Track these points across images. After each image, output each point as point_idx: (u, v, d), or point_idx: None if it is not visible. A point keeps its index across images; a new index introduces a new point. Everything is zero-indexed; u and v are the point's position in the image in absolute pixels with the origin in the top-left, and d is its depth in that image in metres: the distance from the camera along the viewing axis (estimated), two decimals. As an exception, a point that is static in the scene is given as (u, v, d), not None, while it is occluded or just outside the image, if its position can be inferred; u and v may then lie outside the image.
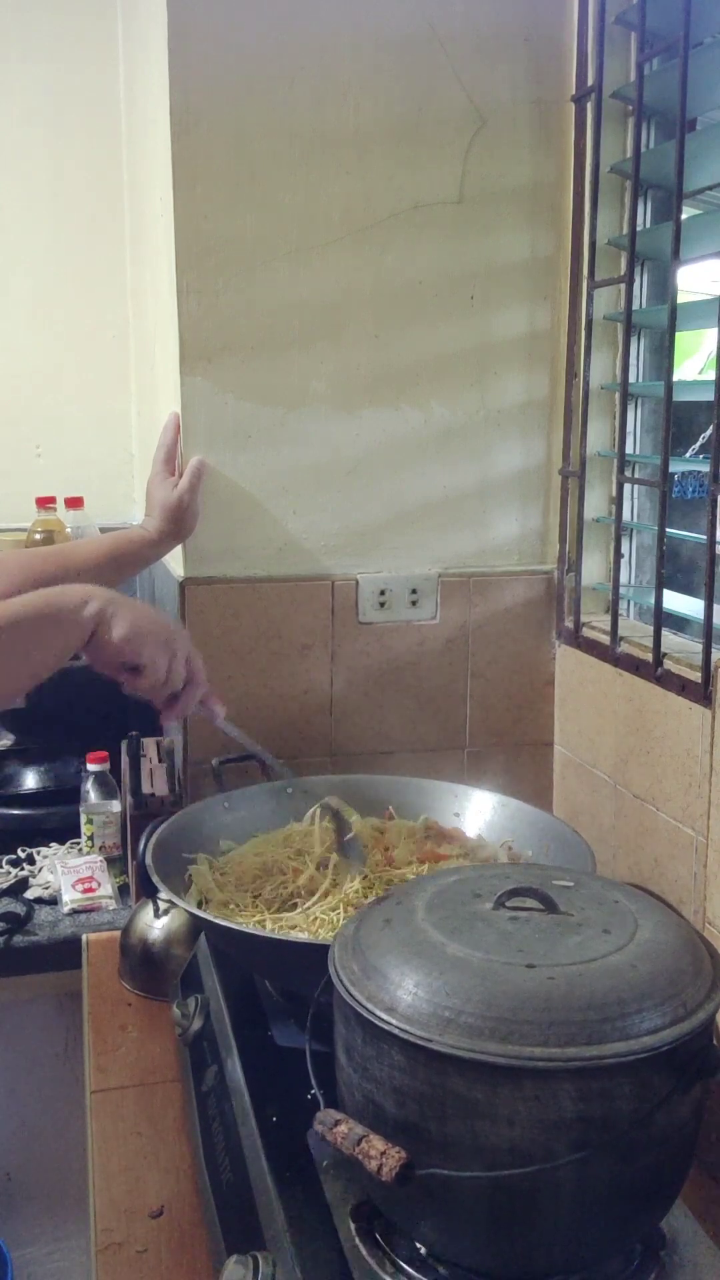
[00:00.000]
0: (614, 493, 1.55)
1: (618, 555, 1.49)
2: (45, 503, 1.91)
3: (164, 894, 1.18)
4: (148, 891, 1.43)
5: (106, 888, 1.68)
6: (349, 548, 1.58)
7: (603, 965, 0.81)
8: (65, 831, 1.84)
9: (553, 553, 1.64)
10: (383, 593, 1.59)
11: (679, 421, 1.38)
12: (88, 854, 1.77)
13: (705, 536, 1.21)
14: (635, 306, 1.43)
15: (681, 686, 1.26)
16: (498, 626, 1.63)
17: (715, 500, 1.19)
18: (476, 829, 1.39)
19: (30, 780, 1.94)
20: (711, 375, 1.35)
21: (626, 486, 1.52)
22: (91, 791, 1.77)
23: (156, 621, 1.17)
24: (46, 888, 1.71)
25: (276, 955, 1.12)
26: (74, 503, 1.98)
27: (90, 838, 1.77)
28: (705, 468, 1.23)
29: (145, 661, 1.15)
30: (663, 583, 1.32)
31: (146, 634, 1.14)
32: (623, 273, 1.42)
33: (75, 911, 1.64)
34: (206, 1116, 1.11)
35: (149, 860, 1.21)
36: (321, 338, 1.51)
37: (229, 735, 1.38)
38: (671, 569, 1.35)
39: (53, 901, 1.68)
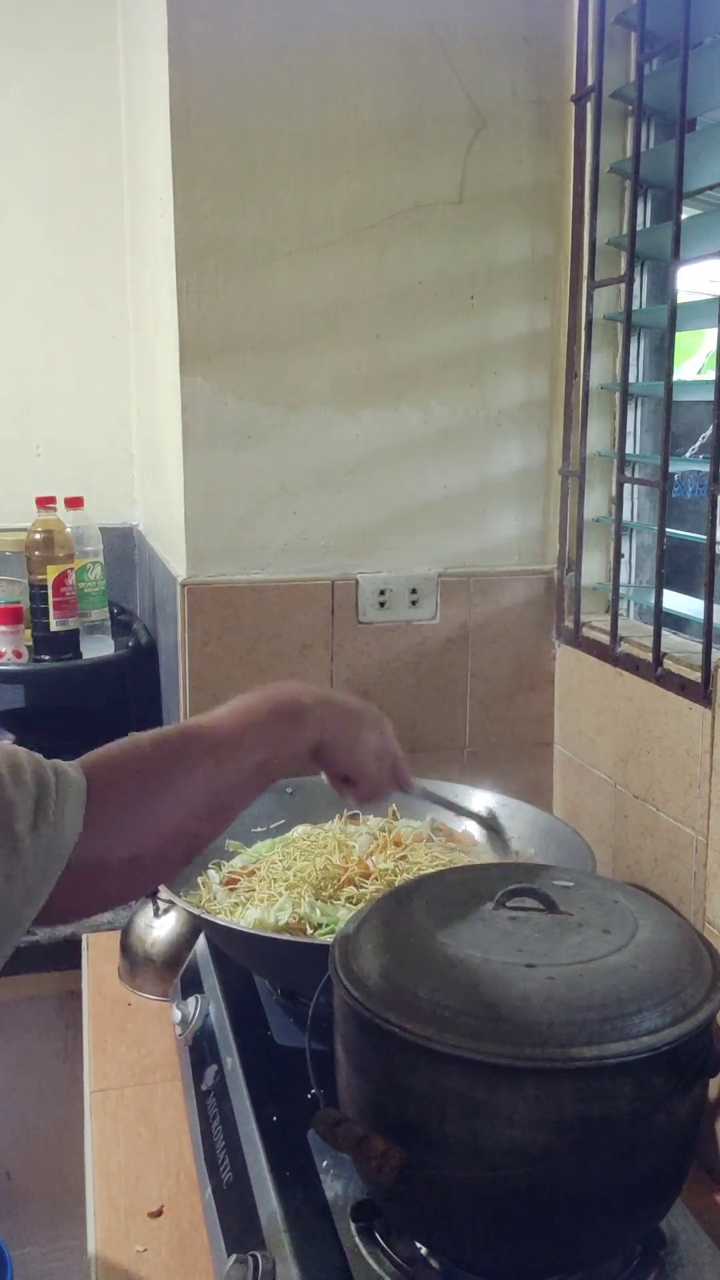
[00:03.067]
0: (614, 493, 1.55)
1: (618, 555, 1.49)
2: (45, 503, 1.91)
3: (164, 894, 1.18)
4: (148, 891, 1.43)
5: (107, 888, 1.68)
6: (349, 548, 1.58)
7: (603, 965, 0.81)
8: (65, 831, 1.84)
9: (553, 553, 1.64)
10: (383, 593, 1.58)
11: (679, 421, 1.38)
12: (88, 854, 1.77)
13: (705, 536, 1.21)
14: (635, 306, 1.43)
15: (681, 686, 1.26)
16: (498, 626, 1.63)
17: (715, 500, 1.19)
18: (477, 829, 1.39)
19: (30, 780, 1.94)
20: (711, 375, 1.34)
21: (626, 486, 1.52)
22: (91, 791, 1.77)
23: (371, 727, 1.07)
24: (46, 888, 1.71)
25: (276, 955, 1.12)
26: (74, 503, 1.98)
27: (90, 838, 1.77)
28: (705, 468, 1.23)
29: (365, 775, 1.08)
30: (663, 583, 1.31)
31: (364, 746, 1.06)
32: (623, 273, 1.42)
33: (75, 911, 1.64)
34: (206, 1116, 1.11)
35: (149, 860, 1.21)
36: (321, 338, 1.51)
37: (427, 801, 1.29)
38: (671, 569, 1.35)
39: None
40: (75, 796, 0.80)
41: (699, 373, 1.63)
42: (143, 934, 1.46)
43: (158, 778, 0.89)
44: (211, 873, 1.30)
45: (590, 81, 1.45)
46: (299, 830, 1.38)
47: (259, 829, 1.38)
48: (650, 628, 1.34)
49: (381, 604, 1.59)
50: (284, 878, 1.24)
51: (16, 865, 0.76)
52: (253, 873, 1.28)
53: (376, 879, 1.23)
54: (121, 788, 0.86)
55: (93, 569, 1.96)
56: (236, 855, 1.34)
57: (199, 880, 1.29)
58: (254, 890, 1.24)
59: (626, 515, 1.54)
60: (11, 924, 0.76)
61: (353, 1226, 0.89)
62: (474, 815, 1.34)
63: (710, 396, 1.20)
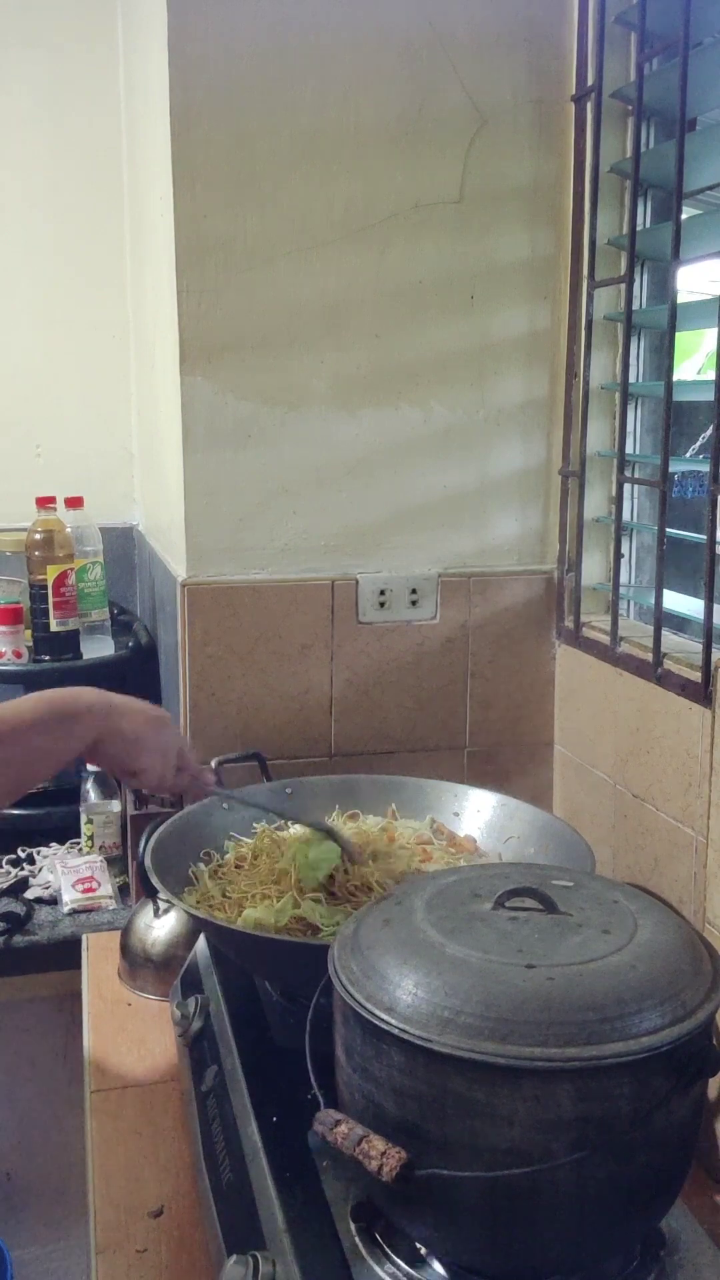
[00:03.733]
0: (614, 493, 1.55)
1: (618, 555, 1.49)
2: (45, 503, 1.91)
3: (164, 894, 1.18)
4: (148, 891, 1.42)
5: (106, 888, 1.68)
6: (349, 548, 1.58)
7: (602, 965, 0.81)
8: (65, 831, 1.85)
9: (553, 553, 1.64)
10: (383, 593, 1.59)
11: (679, 421, 1.38)
12: (88, 854, 1.77)
13: (705, 536, 1.21)
14: (635, 306, 1.43)
15: (681, 686, 1.26)
16: (498, 626, 1.63)
17: (715, 500, 1.19)
18: (477, 829, 1.39)
19: (30, 780, 1.94)
20: (711, 375, 1.34)
21: (626, 486, 1.52)
22: (91, 791, 1.77)
23: (151, 726, 1.20)
24: (46, 888, 1.71)
25: (276, 955, 1.12)
26: (74, 502, 1.98)
27: (90, 838, 1.77)
28: (705, 468, 1.23)
29: (144, 768, 1.19)
30: (663, 583, 1.32)
31: (143, 743, 1.18)
32: (623, 273, 1.42)
33: (75, 911, 1.65)
34: (206, 1116, 1.11)
35: (149, 860, 1.21)
36: (321, 338, 1.51)
37: (229, 799, 1.37)
38: (671, 569, 1.35)
39: (53, 901, 1.68)
40: None
41: (699, 373, 1.63)
42: (143, 934, 1.46)
43: None
44: (203, 865, 1.30)
45: (590, 81, 1.46)
46: (295, 830, 1.37)
47: (258, 828, 1.38)
48: (650, 628, 1.34)
49: (381, 604, 1.59)
50: (265, 875, 1.25)
51: None
52: (239, 865, 1.29)
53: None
54: None
55: (93, 569, 1.96)
56: (230, 852, 1.34)
57: (190, 873, 1.29)
58: (234, 883, 1.25)
59: (626, 515, 1.54)
60: None
61: (353, 1227, 0.89)
62: (303, 822, 1.31)
63: (710, 396, 1.20)
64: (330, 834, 1.27)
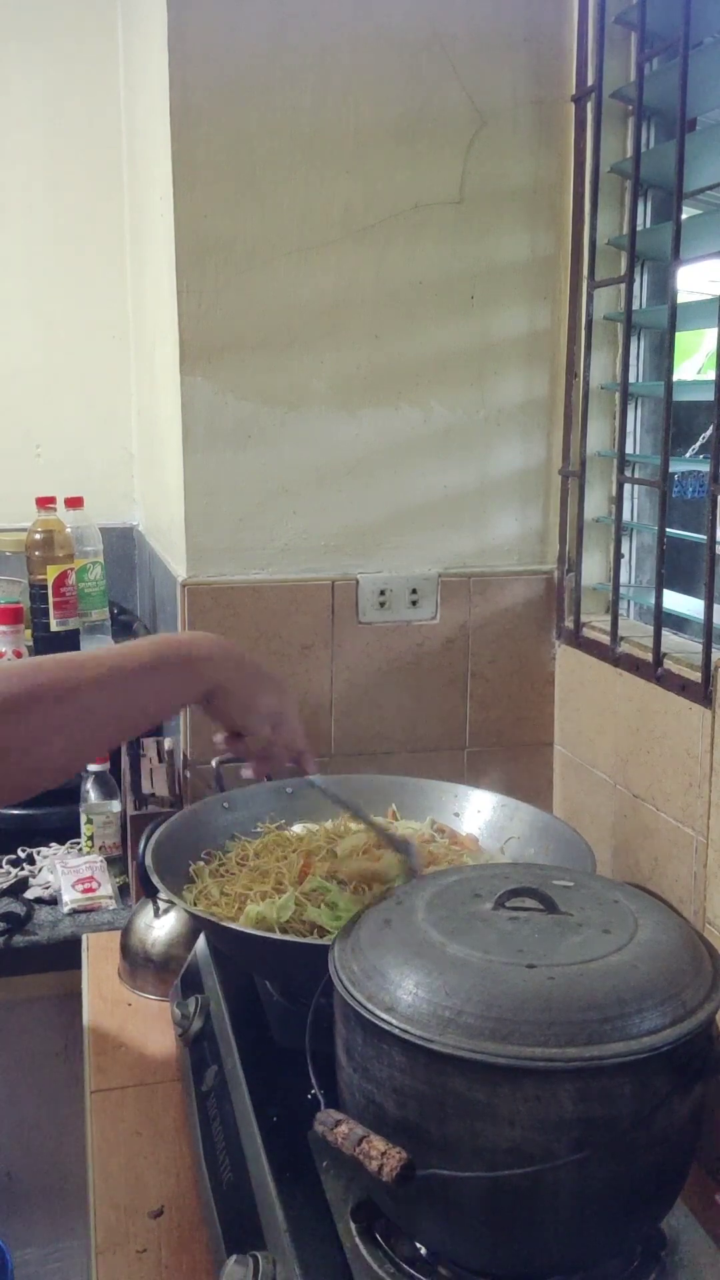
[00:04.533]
0: (614, 493, 1.55)
1: (618, 555, 1.49)
2: (45, 503, 1.91)
3: (164, 894, 1.17)
4: (148, 891, 1.43)
5: (106, 888, 1.68)
6: (349, 548, 1.58)
7: (603, 965, 0.81)
8: (65, 831, 1.84)
9: (553, 553, 1.64)
10: (383, 593, 1.59)
11: (679, 421, 1.38)
12: (88, 854, 1.77)
13: (705, 536, 1.21)
14: (635, 306, 1.43)
15: (681, 686, 1.26)
16: (498, 626, 1.63)
17: (715, 500, 1.19)
18: (477, 829, 1.39)
19: (30, 780, 1.94)
20: (711, 375, 1.34)
21: (626, 486, 1.52)
22: (91, 791, 1.77)
23: (269, 687, 1.13)
24: (46, 888, 1.71)
25: (276, 955, 1.12)
26: (74, 503, 1.98)
27: (90, 838, 1.77)
28: (705, 468, 1.23)
29: (253, 729, 1.13)
30: (663, 583, 1.32)
31: (260, 708, 1.12)
32: (623, 273, 1.42)
33: (75, 911, 1.64)
34: (206, 1116, 1.11)
35: (149, 860, 1.21)
36: (321, 338, 1.51)
37: (323, 791, 1.28)
38: (671, 569, 1.35)
39: (53, 901, 1.68)
40: None
41: (699, 373, 1.63)
42: (143, 934, 1.46)
43: (50, 684, 0.95)
44: (203, 864, 1.30)
45: (590, 81, 1.46)
46: (297, 829, 1.37)
47: (259, 827, 1.38)
48: (650, 628, 1.34)
49: (381, 604, 1.59)
50: (267, 868, 1.25)
51: None
52: (241, 862, 1.29)
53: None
54: (8, 675, 0.94)
55: (93, 569, 1.96)
56: (230, 851, 1.34)
57: (190, 870, 1.29)
58: (235, 876, 1.25)
59: (626, 515, 1.54)
60: None
61: (353, 1227, 0.89)
62: (375, 826, 1.26)
63: (710, 396, 1.20)
64: (400, 846, 1.22)
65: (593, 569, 1.59)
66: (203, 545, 1.54)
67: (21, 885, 1.72)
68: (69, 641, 1.90)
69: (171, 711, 1.08)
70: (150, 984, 1.45)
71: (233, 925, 1.14)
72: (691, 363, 1.64)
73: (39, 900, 1.68)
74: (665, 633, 1.32)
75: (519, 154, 1.53)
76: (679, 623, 1.38)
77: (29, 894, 1.70)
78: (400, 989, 0.81)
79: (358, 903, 1.15)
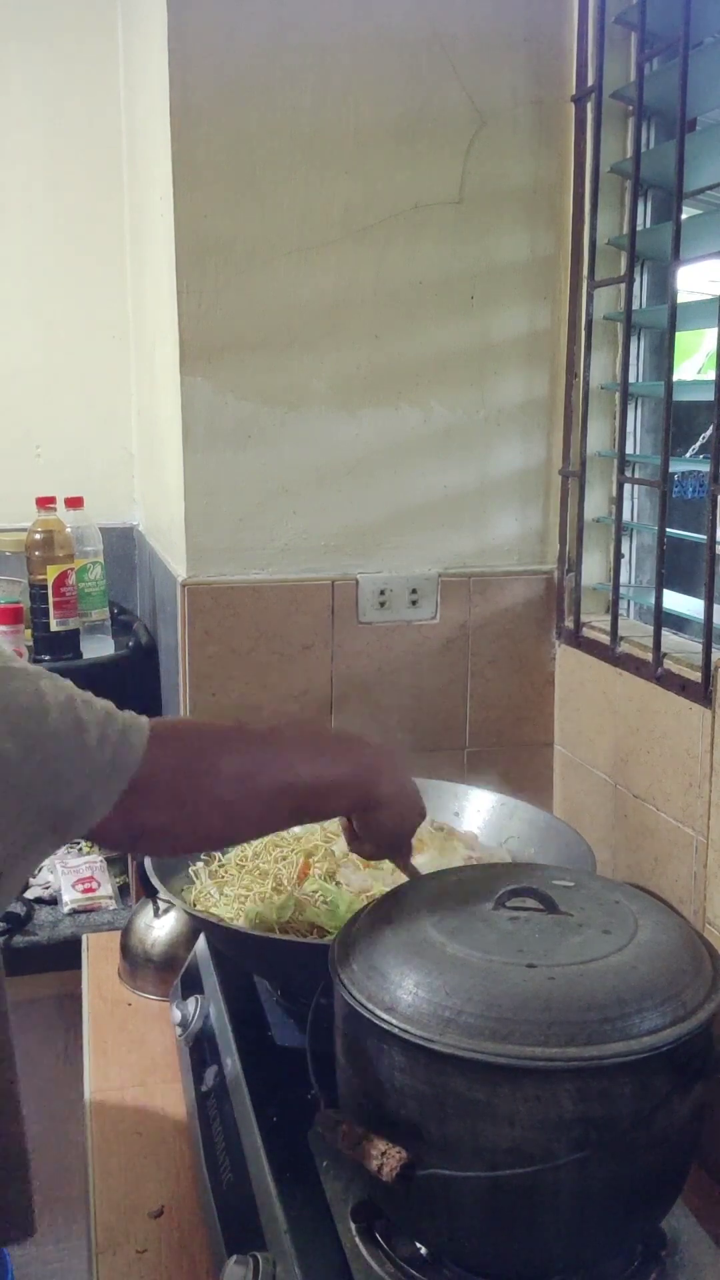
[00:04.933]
0: (614, 493, 1.55)
1: (618, 555, 1.49)
2: (45, 503, 1.91)
3: (164, 894, 1.18)
4: (148, 891, 1.43)
5: (106, 888, 1.68)
6: (349, 548, 1.58)
7: (603, 965, 0.81)
8: (65, 831, 1.84)
9: (553, 553, 1.64)
10: (383, 593, 1.58)
11: (679, 421, 1.38)
12: (88, 854, 1.77)
13: (705, 536, 1.21)
14: (635, 306, 1.42)
15: (681, 686, 1.26)
16: (498, 626, 1.63)
17: (715, 500, 1.19)
18: (477, 829, 1.39)
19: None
20: (711, 375, 1.34)
21: (626, 486, 1.52)
22: (91, 791, 1.77)
23: (415, 806, 1.07)
24: (46, 888, 1.71)
25: (276, 955, 1.12)
26: (74, 503, 1.98)
27: (90, 838, 1.77)
28: (705, 468, 1.23)
29: (400, 851, 1.09)
30: (663, 583, 1.31)
31: (411, 814, 1.06)
32: (623, 273, 1.42)
33: (75, 911, 1.65)
34: (206, 1116, 1.11)
35: (149, 860, 1.21)
36: (321, 338, 1.51)
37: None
38: (671, 569, 1.35)
39: (53, 901, 1.68)
40: (138, 730, 0.88)
41: (699, 373, 1.63)
42: (143, 934, 1.46)
43: (214, 748, 0.94)
44: (202, 864, 1.30)
45: (590, 81, 1.45)
46: (296, 829, 1.37)
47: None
48: (650, 628, 1.34)
49: (381, 604, 1.59)
50: (266, 869, 1.25)
51: (82, 769, 0.83)
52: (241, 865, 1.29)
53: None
54: (180, 737, 0.93)
55: (93, 569, 1.96)
56: (229, 851, 1.34)
57: (189, 871, 1.29)
58: (231, 877, 1.25)
59: (626, 515, 1.54)
60: (69, 819, 0.84)
61: (353, 1226, 0.89)
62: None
63: (710, 396, 1.20)
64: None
65: (593, 569, 1.59)
66: (203, 545, 1.54)
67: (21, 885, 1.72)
68: (69, 641, 1.90)
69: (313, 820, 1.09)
70: (150, 984, 1.45)
71: (233, 925, 1.14)
72: (691, 363, 1.64)
73: (39, 900, 1.69)
74: (665, 633, 1.32)
75: (519, 154, 1.52)
76: (679, 623, 1.38)
77: (29, 894, 1.70)
78: (400, 989, 0.81)
79: (358, 903, 1.15)
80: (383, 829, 1.04)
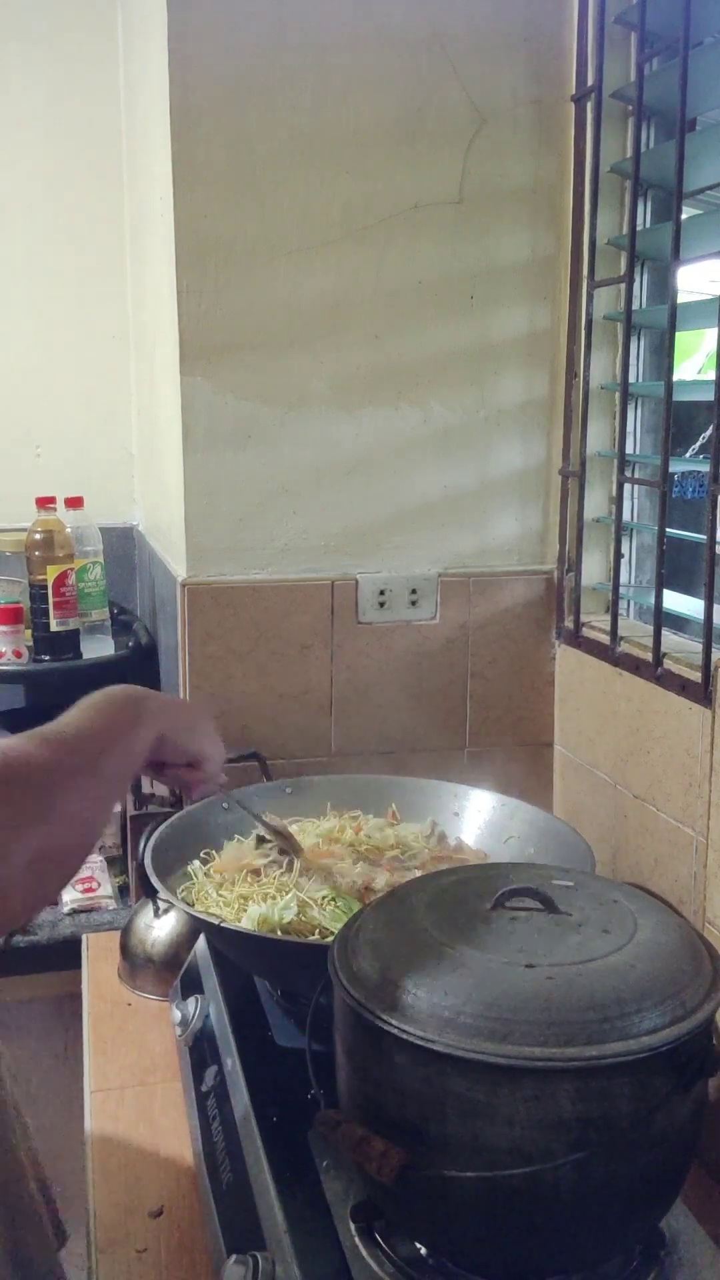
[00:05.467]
0: (614, 493, 1.55)
1: (618, 555, 1.49)
2: (45, 503, 1.91)
3: (164, 894, 1.18)
4: (148, 891, 1.43)
5: (106, 888, 1.68)
6: (349, 548, 1.58)
7: (602, 965, 0.81)
8: (65, 831, 1.84)
9: (553, 553, 1.64)
10: (383, 593, 1.58)
11: (679, 421, 1.38)
12: (88, 854, 1.77)
13: (705, 536, 1.21)
14: (635, 306, 1.43)
15: (681, 686, 1.26)
16: (498, 626, 1.63)
17: (715, 500, 1.19)
18: (477, 829, 1.39)
19: (30, 780, 1.94)
20: (711, 375, 1.34)
21: (626, 486, 1.52)
22: (91, 791, 1.77)
23: (201, 710, 1.12)
24: (46, 888, 1.71)
25: (276, 955, 1.12)
26: (74, 503, 1.98)
27: (90, 838, 1.77)
28: (705, 468, 1.23)
29: (208, 755, 1.11)
30: (663, 583, 1.32)
31: (204, 732, 1.09)
32: (623, 273, 1.42)
33: (75, 911, 1.65)
34: (206, 1117, 1.11)
35: (149, 860, 1.21)
36: (321, 338, 1.51)
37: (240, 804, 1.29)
38: (671, 569, 1.35)
39: (53, 901, 1.68)
40: None
41: (699, 373, 1.63)
42: (143, 934, 1.46)
43: (43, 788, 0.83)
44: (201, 864, 1.30)
45: (590, 81, 1.46)
46: (294, 829, 1.37)
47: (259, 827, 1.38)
48: (650, 628, 1.34)
49: (381, 604, 1.59)
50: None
51: None
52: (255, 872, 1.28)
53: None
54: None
55: (93, 569, 1.96)
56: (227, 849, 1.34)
57: (190, 871, 1.29)
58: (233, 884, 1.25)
59: (626, 515, 1.54)
60: None
61: (353, 1227, 0.89)
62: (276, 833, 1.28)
63: (710, 396, 1.20)
64: (279, 834, 1.26)
65: (593, 569, 1.59)
66: (203, 545, 1.54)
67: (21, 885, 1.72)
68: (69, 641, 1.90)
69: (132, 773, 1.03)
70: (150, 984, 1.45)
71: (232, 926, 1.14)
72: (691, 363, 1.64)
73: (39, 900, 1.68)
74: (665, 633, 1.32)
75: (519, 154, 1.53)
76: (679, 623, 1.38)
77: (29, 894, 1.70)
78: (400, 989, 0.81)
79: (358, 904, 1.15)
80: (182, 752, 1.06)
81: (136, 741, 0.99)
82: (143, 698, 1.03)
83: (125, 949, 1.48)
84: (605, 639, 1.45)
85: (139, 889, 1.61)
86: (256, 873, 1.26)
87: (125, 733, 0.98)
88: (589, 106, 1.46)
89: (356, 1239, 0.88)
